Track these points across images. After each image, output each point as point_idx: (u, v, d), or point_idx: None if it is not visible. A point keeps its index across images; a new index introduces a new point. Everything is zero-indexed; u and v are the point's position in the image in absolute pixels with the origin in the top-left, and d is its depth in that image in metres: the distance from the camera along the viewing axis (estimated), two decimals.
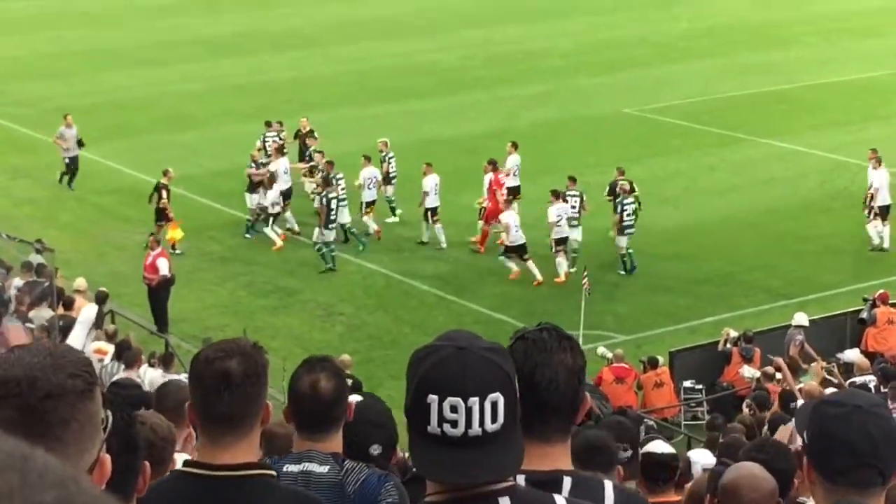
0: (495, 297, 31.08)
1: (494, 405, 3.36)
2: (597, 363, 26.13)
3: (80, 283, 27.60)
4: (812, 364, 24.74)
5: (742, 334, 26.73)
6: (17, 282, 27.10)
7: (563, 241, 32.23)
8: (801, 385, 21.62)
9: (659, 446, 9.54)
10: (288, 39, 59.83)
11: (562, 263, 32.11)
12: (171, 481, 4.74)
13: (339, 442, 5.72)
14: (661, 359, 26.25)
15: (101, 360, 21.85)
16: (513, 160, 36.17)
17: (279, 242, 34.50)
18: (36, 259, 28.56)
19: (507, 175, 35.87)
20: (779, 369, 24.21)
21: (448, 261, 33.67)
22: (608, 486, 4.22)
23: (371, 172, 35.44)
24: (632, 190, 33.82)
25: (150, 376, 20.61)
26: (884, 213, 33.96)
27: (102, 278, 29.80)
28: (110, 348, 22.58)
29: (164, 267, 29.77)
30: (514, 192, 35.44)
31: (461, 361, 3.40)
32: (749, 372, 25.61)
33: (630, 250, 32.64)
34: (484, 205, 34.48)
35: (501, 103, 48.51)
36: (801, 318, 26.89)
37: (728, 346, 26.67)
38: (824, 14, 64.66)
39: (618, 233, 32.66)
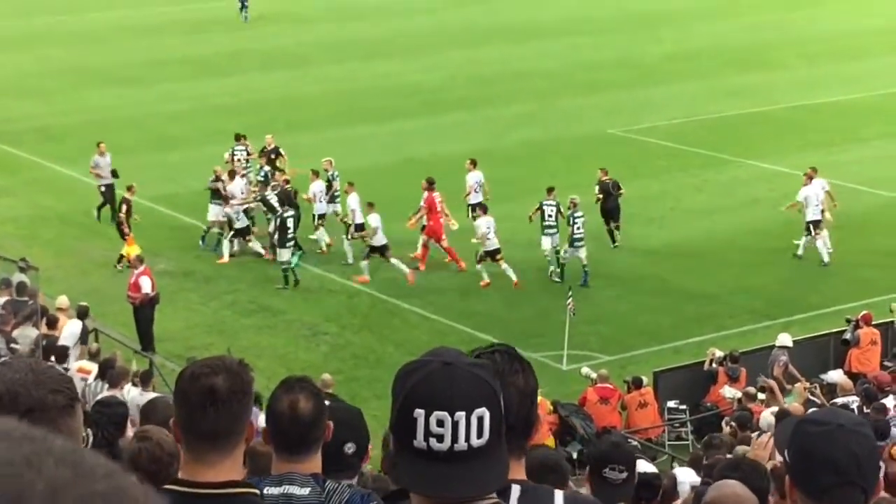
0: (479, 317, 31.11)
1: (480, 420, 3.35)
2: (581, 383, 26.21)
3: (62, 301, 27.58)
4: (795, 385, 24.81)
5: (728, 354, 26.78)
6: None
7: (496, 253, 33.01)
8: (785, 406, 21.69)
9: (642, 466, 9.57)
10: (275, 59, 59.89)
11: (483, 271, 33.11)
12: None
13: (318, 462, 5.66)
14: (644, 379, 26.28)
15: (84, 379, 21.82)
16: (473, 177, 36.51)
17: (226, 258, 34.83)
18: (17, 277, 28.49)
19: (469, 193, 36.17)
20: (764, 389, 24.27)
21: (432, 281, 33.71)
22: (558, 495, 4.30)
23: (320, 186, 35.87)
24: (611, 191, 35.60)
25: (130, 395, 20.59)
26: (813, 225, 34.33)
27: (85, 296, 29.69)
28: (94, 367, 22.54)
29: (146, 285, 29.72)
30: (482, 209, 35.69)
31: (448, 376, 3.39)
32: (730, 392, 25.69)
33: (564, 261, 33.55)
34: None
35: (486, 124, 48.58)
36: (784, 339, 26.94)
37: (713, 365, 26.73)
38: (808, 37, 64.92)
39: (570, 245, 33.40)
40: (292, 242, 33.42)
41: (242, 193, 35.71)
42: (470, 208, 36.19)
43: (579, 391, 25.88)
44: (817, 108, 50.79)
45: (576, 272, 33.29)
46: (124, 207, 34.44)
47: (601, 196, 35.77)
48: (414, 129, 45.95)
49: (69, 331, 25.82)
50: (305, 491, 5.50)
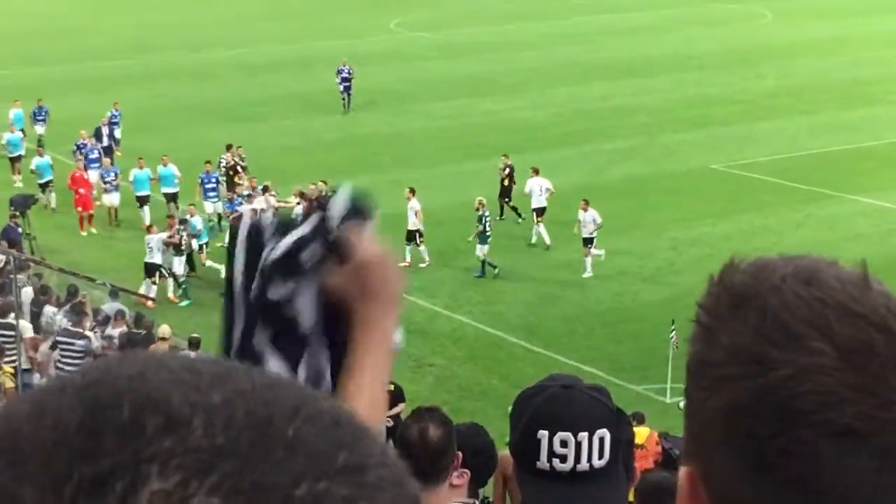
0: (585, 350, 31.46)
1: (602, 441, 3.51)
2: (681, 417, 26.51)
3: (164, 330, 28.19)
4: None
5: None
6: (112, 331, 27.89)
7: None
8: None
9: None
10: (380, 96, 60.53)
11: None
12: None
13: (446, 492, 5.69)
14: None
15: None
16: (414, 205, 37.73)
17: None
18: (114, 304, 29.49)
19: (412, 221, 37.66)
20: None
21: (536, 313, 34.17)
22: None
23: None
24: (512, 175, 41.43)
25: None
26: (539, 213, 39.32)
27: (198, 328, 30.46)
28: None
29: None
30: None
31: (569, 398, 3.53)
32: None
33: (488, 258, 36.52)
34: None
35: (588, 159, 48.89)
36: None
37: None
38: None
39: (479, 242, 36.45)
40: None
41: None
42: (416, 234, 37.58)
43: (682, 424, 26.15)
44: None
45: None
46: None
47: (508, 181, 41.37)
48: (520, 164, 46.43)
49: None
50: None
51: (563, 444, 3.47)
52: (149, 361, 1.07)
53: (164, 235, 36.11)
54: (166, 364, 1.07)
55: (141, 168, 42.31)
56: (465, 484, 5.84)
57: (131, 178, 42.13)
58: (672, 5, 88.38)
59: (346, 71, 58.54)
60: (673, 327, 28.69)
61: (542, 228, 39.04)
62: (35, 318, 28.34)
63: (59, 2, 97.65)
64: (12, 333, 25.67)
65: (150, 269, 35.89)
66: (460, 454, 5.71)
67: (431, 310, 34.39)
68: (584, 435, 3.49)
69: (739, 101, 58.70)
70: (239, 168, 42.51)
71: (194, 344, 27.66)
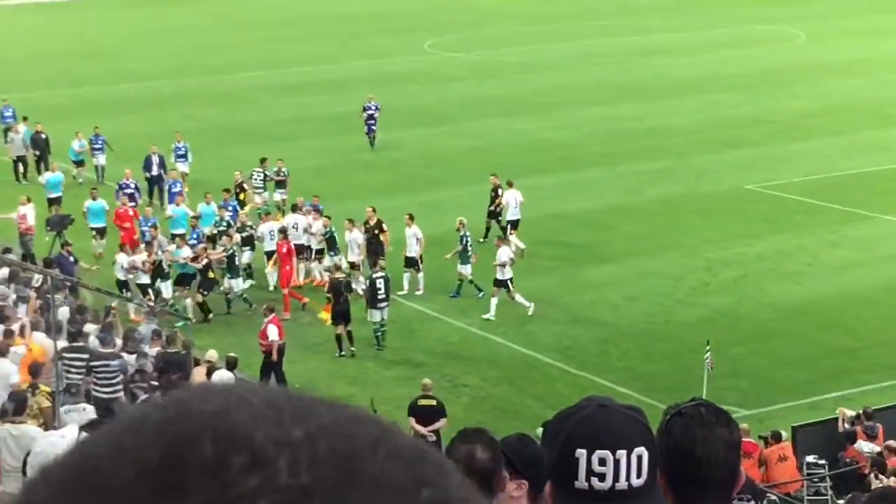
0: (619, 371, 31.48)
1: (640, 459, 3.48)
2: None
3: (212, 354, 28.42)
4: None
5: (861, 412, 26.77)
6: (149, 350, 28.04)
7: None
8: None
9: None
10: (415, 116, 60.63)
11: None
12: None
13: None
14: (784, 433, 26.44)
15: None
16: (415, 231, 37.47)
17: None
18: (152, 326, 29.67)
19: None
20: None
21: (571, 335, 34.17)
22: None
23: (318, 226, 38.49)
24: (499, 193, 40.56)
25: None
26: (514, 225, 39.91)
27: (232, 347, 30.69)
28: None
29: (273, 333, 30.71)
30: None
31: (606, 417, 3.52)
32: (868, 447, 25.71)
33: (471, 278, 36.37)
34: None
35: (622, 179, 48.86)
36: None
37: (846, 425, 26.71)
38: None
39: (461, 262, 36.43)
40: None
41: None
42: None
43: None
44: None
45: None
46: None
47: (500, 199, 40.56)
48: (551, 184, 46.53)
49: (221, 381, 26.63)
50: None
51: (602, 462, 3.46)
52: (230, 396, 1.09)
53: (139, 260, 36.15)
54: (247, 399, 1.08)
55: (178, 205, 41.06)
56: (524, 495, 5.87)
57: (168, 214, 41.23)
58: (706, 27, 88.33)
59: (373, 107, 55.09)
60: (708, 348, 28.64)
61: (514, 239, 38.75)
62: (73, 338, 28.40)
63: (93, 25, 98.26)
64: (84, 356, 25.55)
65: (142, 291, 36.22)
66: (507, 475, 5.66)
67: (466, 330, 34.44)
68: (622, 453, 3.48)
69: (773, 122, 58.57)
70: (245, 187, 42.72)
71: (231, 364, 27.81)
